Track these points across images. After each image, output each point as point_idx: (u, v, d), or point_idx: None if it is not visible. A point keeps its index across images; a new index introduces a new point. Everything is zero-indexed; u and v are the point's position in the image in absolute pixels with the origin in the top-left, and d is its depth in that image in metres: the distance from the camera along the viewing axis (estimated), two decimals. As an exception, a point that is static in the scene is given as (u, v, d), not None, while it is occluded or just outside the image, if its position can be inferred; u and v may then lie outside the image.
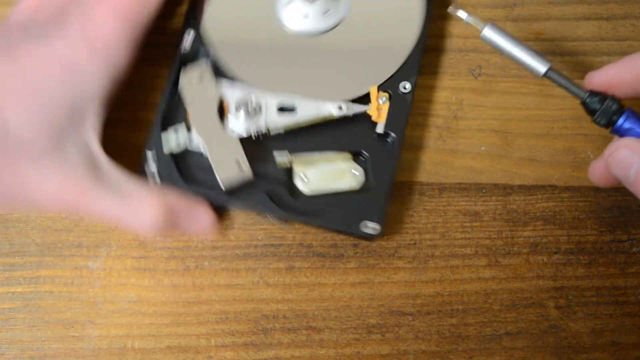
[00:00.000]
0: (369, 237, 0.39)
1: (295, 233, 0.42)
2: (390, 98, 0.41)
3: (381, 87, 0.41)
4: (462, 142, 0.43)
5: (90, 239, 0.41)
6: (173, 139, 0.39)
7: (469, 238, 0.42)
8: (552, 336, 0.41)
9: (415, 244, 0.42)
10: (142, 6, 0.38)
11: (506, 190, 0.42)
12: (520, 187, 0.42)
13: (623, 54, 0.44)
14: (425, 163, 0.43)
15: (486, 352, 0.41)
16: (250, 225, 0.41)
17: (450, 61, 0.44)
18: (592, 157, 0.43)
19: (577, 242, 0.42)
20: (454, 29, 0.44)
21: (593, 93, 0.35)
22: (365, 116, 0.41)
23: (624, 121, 0.34)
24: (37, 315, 0.40)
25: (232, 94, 0.40)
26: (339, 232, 0.40)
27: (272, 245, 0.41)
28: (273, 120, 0.40)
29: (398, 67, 0.41)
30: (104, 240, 0.41)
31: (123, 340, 0.40)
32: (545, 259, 0.42)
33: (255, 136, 0.40)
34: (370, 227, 0.39)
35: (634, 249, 0.42)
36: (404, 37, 0.42)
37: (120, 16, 0.37)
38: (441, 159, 0.43)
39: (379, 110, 0.40)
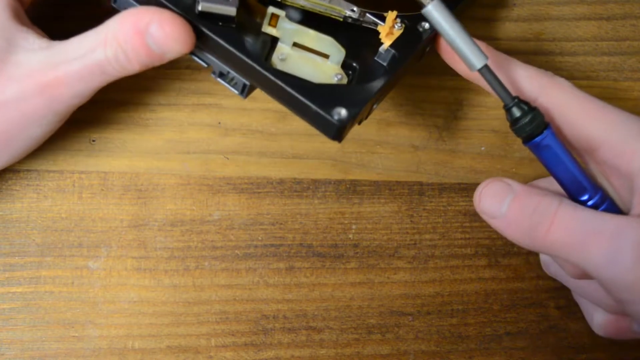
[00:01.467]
0: (333, 128, 0.33)
1: (295, 233, 0.42)
2: (405, 29, 0.37)
3: (403, 18, 0.37)
4: (462, 142, 0.43)
5: (90, 239, 0.41)
6: None
7: (469, 238, 0.42)
8: (552, 336, 0.41)
9: (415, 244, 0.42)
10: None
11: (506, 190, 0.42)
12: (520, 187, 0.42)
13: (623, 54, 0.44)
14: (425, 163, 0.43)
15: (486, 352, 0.41)
16: (250, 226, 0.41)
17: (450, 61, 0.44)
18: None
19: (577, 242, 0.42)
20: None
21: (521, 101, 0.33)
22: (373, 33, 0.37)
23: (543, 138, 0.33)
24: (38, 316, 0.40)
25: None
26: (304, 112, 0.34)
27: (272, 245, 0.41)
28: None
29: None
30: (104, 240, 0.41)
31: (123, 341, 0.40)
32: (545, 259, 0.42)
33: None
34: (340, 113, 0.33)
35: (634, 249, 0.42)
36: None
37: None
38: (441, 159, 0.43)
39: (390, 32, 0.37)
